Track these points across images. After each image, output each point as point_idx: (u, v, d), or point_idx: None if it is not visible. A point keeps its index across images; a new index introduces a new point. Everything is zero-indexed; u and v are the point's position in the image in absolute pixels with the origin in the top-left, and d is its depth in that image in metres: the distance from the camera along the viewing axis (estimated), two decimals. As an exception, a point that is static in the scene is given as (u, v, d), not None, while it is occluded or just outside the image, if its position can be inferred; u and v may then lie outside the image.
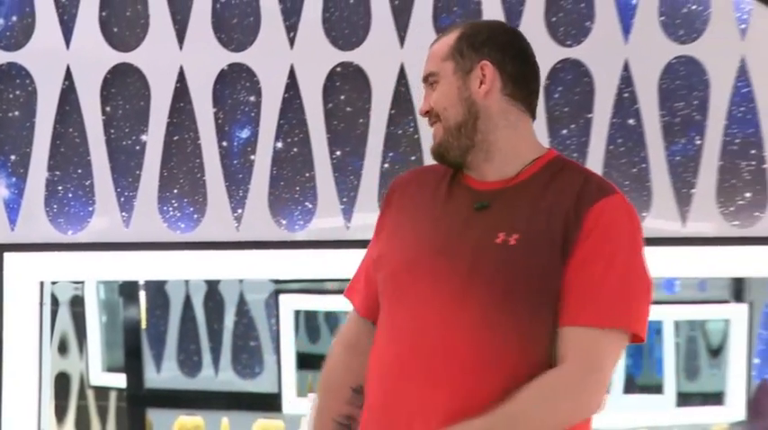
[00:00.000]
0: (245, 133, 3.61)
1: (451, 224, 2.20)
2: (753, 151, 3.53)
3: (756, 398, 3.56)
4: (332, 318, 3.70)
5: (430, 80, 2.23)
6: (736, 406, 3.56)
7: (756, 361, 3.57)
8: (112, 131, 3.57)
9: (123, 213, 3.53)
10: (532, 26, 3.54)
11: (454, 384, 2.07)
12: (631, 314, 2.09)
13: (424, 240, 2.21)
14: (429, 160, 3.36)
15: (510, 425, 2.05)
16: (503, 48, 2.21)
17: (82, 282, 3.58)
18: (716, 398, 3.62)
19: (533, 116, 2.28)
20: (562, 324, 2.09)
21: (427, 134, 3.35)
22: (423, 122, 3.39)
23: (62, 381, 3.55)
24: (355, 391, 2.26)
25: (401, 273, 2.21)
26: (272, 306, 3.67)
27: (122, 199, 3.54)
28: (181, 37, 3.56)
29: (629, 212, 2.15)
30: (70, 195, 3.58)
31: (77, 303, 3.60)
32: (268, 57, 3.56)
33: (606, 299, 2.07)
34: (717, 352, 3.61)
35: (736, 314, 3.58)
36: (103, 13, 3.58)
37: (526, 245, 2.11)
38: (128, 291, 3.65)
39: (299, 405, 3.59)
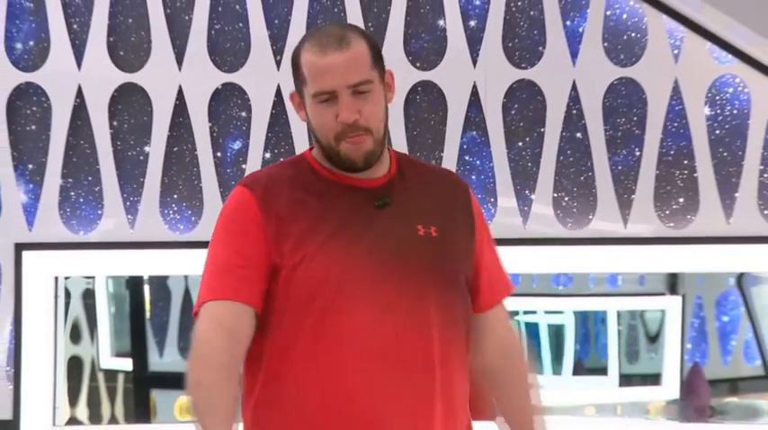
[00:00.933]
0: (237, 145, 3.62)
1: (362, 225, 2.05)
2: (685, 161, 3.61)
3: (689, 380, 3.60)
4: None
5: (361, 88, 2.02)
6: (671, 386, 3.61)
7: (688, 346, 3.63)
8: (119, 143, 3.59)
9: (129, 216, 3.56)
10: (491, 50, 3.59)
11: (443, 366, 1.99)
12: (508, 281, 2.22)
13: (345, 246, 2.04)
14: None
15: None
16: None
17: (92, 277, 3.61)
18: (653, 379, 3.65)
19: None
20: (488, 305, 2.13)
21: (400, 142, 3.42)
22: (397, 131, 3.46)
23: (75, 365, 3.57)
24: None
25: (348, 282, 2.03)
26: None
27: (128, 203, 3.57)
28: (180, 59, 3.60)
29: None
30: (81, 200, 3.59)
31: (88, 296, 3.62)
32: (257, 77, 3.58)
33: (502, 273, 2.16)
34: (654, 338, 3.65)
35: (671, 305, 3.62)
36: (111, 38, 3.61)
37: (445, 235, 2.06)
38: (133, 285, 3.67)
39: None
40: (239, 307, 1.99)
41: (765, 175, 3.61)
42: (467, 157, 3.59)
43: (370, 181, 2.07)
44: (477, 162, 3.59)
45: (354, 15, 3.58)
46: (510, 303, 2.16)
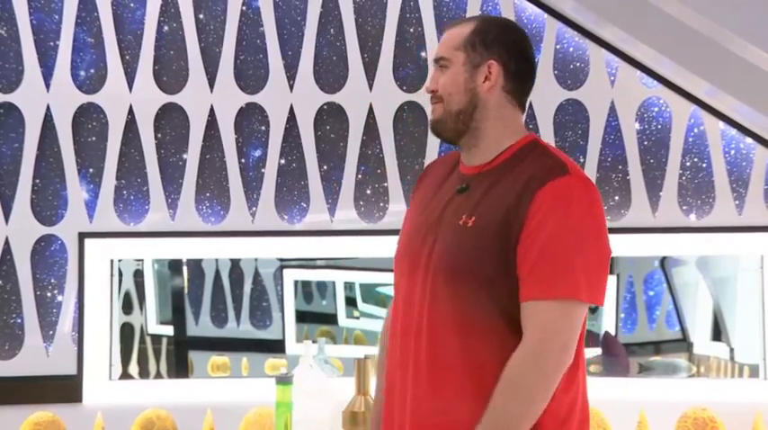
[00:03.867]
0: (257, 153, 3.69)
1: (436, 208, 2.02)
2: (620, 167, 3.70)
3: (605, 345, 3.65)
4: (321, 286, 3.70)
5: (441, 63, 2.01)
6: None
7: (622, 315, 3.68)
8: (162, 151, 3.68)
9: (170, 210, 3.63)
10: None
11: (428, 341, 1.95)
12: (578, 284, 1.83)
13: (415, 226, 2.04)
14: (393, 174, 3.62)
15: (506, 424, 1.80)
16: (509, 47, 2.00)
17: (141, 260, 3.61)
18: (593, 341, 3.65)
19: (524, 109, 2.07)
20: (523, 298, 1.86)
21: (390, 152, 3.58)
22: (387, 144, 3.61)
23: (127, 331, 3.61)
24: None
25: (399, 256, 2.09)
26: (279, 277, 3.65)
27: (169, 200, 3.65)
28: (211, 84, 3.67)
29: (579, 189, 1.88)
30: (132, 197, 3.67)
31: (138, 275, 3.62)
32: (274, 98, 3.65)
33: (551, 272, 1.83)
34: (594, 309, 3.62)
35: (608, 283, 3.58)
36: (156, 67, 3.69)
37: (478, 227, 1.91)
38: (174, 266, 3.67)
39: (297, 348, 3.60)
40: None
41: (683, 178, 3.70)
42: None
43: (470, 168, 2.02)
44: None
45: (353, 48, 3.67)
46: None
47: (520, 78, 2.01)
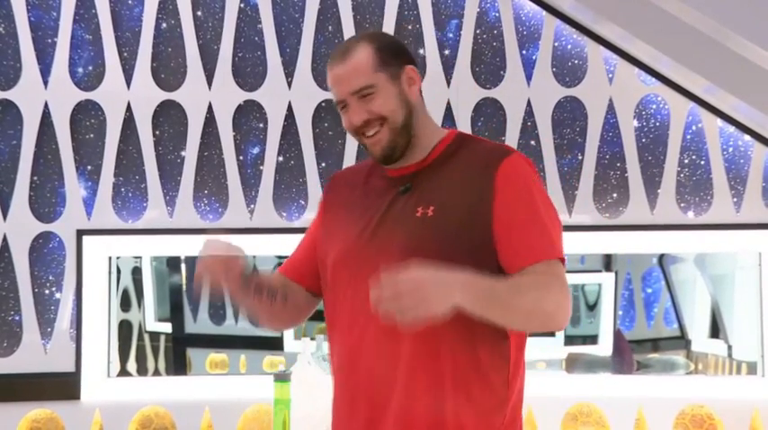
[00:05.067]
0: (255, 150, 3.68)
1: (377, 211, 1.99)
2: (618, 164, 3.69)
3: (616, 343, 3.64)
4: None
5: (364, 92, 1.94)
6: (605, 345, 3.69)
7: (620, 313, 3.68)
8: (160, 149, 3.66)
9: (168, 207, 3.62)
10: (462, 74, 3.64)
11: (412, 339, 1.87)
12: (558, 245, 1.90)
13: (356, 230, 2.00)
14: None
15: (511, 293, 1.80)
16: (407, 50, 2.03)
17: (139, 257, 3.60)
18: (592, 339, 3.69)
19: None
20: (518, 266, 1.86)
21: None
22: None
23: (125, 328, 3.60)
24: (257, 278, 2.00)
25: (338, 261, 2.01)
26: None
27: (167, 197, 3.63)
28: (209, 81, 3.66)
29: (528, 164, 1.96)
30: (130, 194, 3.66)
31: (136, 272, 3.61)
32: (272, 95, 3.65)
33: (539, 238, 1.87)
34: (592, 307, 3.68)
35: (606, 280, 3.64)
36: (154, 64, 3.68)
37: (441, 213, 1.91)
38: (172, 263, 3.66)
39: (295, 345, 3.57)
40: None
41: (681, 176, 3.69)
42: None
43: (402, 169, 1.99)
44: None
45: None
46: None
47: (420, 77, 2.03)
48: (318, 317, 3.64)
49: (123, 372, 3.65)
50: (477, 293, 1.75)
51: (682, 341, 3.69)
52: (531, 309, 1.80)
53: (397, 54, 1.99)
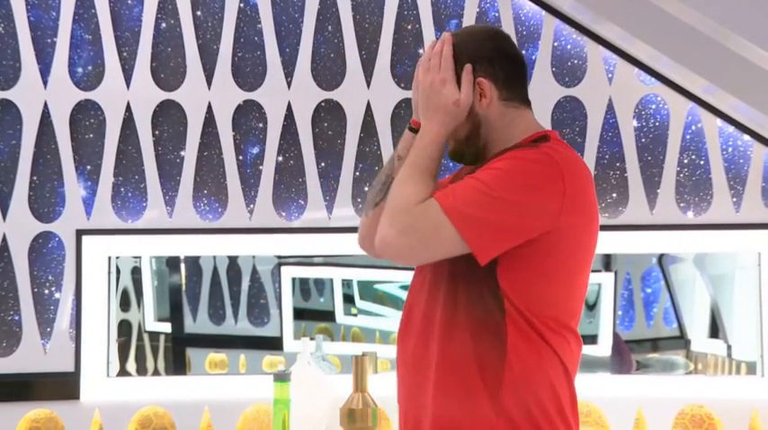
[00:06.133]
0: (255, 150, 3.67)
1: None
2: (617, 164, 3.69)
3: (615, 344, 3.63)
4: (319, 283, 3.71)
5: None
6: (605, 344, 3.67)
7: (620, 313, 3.68)
8: (160, 149, 3.65)
9: (168, 207, 3.61)
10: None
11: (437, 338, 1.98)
12: (463, 206, 1.85)
13: None
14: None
15: (407, 170, 1.92)
16: (490, 58, 1.98)
17: (139, 257, 3.60)
18: (592, 339, 3.64)
19: (528, 102, 2.06)
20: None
21: (388, 149, 3.54)
22: (385, 141, 3.59)
23: (124, 328, 3.60)
24: None
25: None
26: (276, 274, 3.66)
27: (167, 197, 3.63)
28: (209, 81, 3.66)
29: (535, 160, 1.88)
30: (129, 194, 3.66)
31: (135, 272, 3.61)
32: (271, 95, 3.64)
33: (460, 188, 1.88)
34: (592, 307, 3.65)
35: (606, 280, 3.64)
36: (153, 64, 3.67)
37: None
38: (172, 263, 3.66)
39: (294, 345, 3.60)
40: None
41: (681, 176, 3.69)
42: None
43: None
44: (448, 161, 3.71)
45: (350, 45, 3.66)
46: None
47: (511, 82, 2.00)
48: (317, 317, 3.75)
49: (122, 372, 3.65)
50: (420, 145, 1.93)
51: (681, 341, 3.69)
52: (393, 192, 1.91)
53: (471, 64, 1.97)
